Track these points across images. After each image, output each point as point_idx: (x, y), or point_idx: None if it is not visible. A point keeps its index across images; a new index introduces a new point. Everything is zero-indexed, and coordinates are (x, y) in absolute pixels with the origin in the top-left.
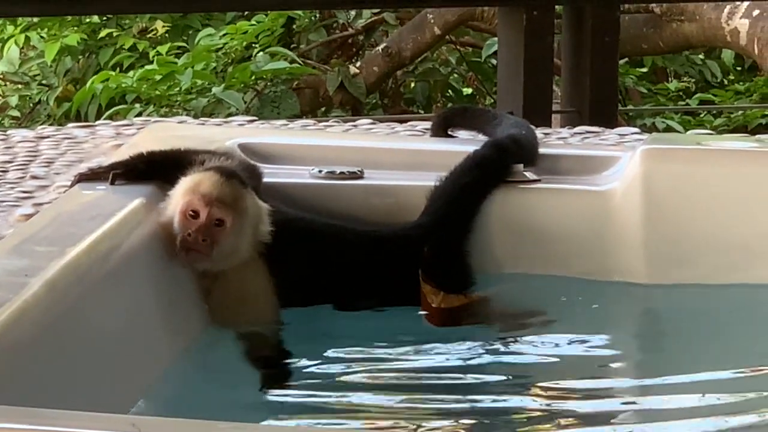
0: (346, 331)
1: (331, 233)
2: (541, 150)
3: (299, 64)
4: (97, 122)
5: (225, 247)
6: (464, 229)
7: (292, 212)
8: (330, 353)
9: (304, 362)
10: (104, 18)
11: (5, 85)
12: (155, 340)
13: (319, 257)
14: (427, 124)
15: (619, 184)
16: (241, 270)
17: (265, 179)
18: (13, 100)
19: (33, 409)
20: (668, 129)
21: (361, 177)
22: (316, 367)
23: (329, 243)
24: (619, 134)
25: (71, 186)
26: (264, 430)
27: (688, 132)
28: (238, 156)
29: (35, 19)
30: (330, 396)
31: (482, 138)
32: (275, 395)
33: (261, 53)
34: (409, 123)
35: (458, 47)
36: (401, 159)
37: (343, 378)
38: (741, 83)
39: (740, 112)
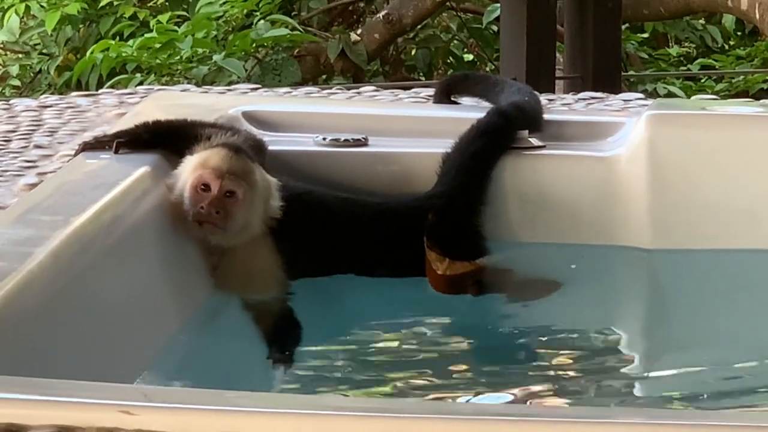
0: (354, 300)
1: (342, 207)
2: (546, 116)
3: (300, 31)
4: (101, 91)
5: (238, 220)
6: (475, 198)
7: (301, 186)
8: (336, 322)
9: (311, 331)
10: None
11: (6, 54)
12: (161, 309)
13: (330, 232)
14: (431, 91)
15: (624, 149)
16: (248, 246)
17: (270, 147)
18: (14, 70)
19: (40, 380)
20: (669, 94)
21: (365, 144)
22: (323, 335)
23: (340, 217)
24: (624, 100)
25: (75, 155)
26: (271, 399)
27: (691, 97)
28: (243, 131)
29: None
30: (336, 364)
31: (486, 104)
32: (282, 364)
33: (262, 21)
34: (412, 90)
35: (459, 13)
36: (405, 126)
37: (349, 346)
38: (742, 48)
39: (741, 78)
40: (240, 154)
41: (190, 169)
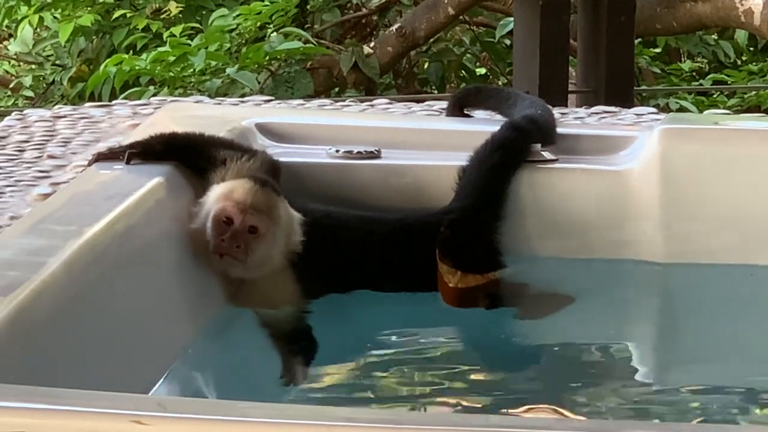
0: (368, 315)
1: (359, 225)
2: (559, 129)
3: (313, 44)
4: (114, 102)
5: (259, 255)
6: (491, 213)
7: (319, 209)
8: (349, 336)
9: (325, 345)
10: None
11: (19, 65)
12: (174, 319)
13: (348, 251)
14: (444, 104)
15: (637, 163)
16: (267, 276)
17: (283, 159)
18: (27, 81)
19: (53, 389)
20: (681, 109)
21: (378, 156)
22: (336, 350)
23: (358, 236)
24: (636, 114)
25: (88, 165)
26: (284, 410)
27: (703, 112)
28: (260, 154)
29: (49, 0)
30: (349, 377)
31: (498, 117)
32: (296, 379)
33: (275, 33)
34: (426, 103)
35: (472, 27)
36: (418, 139)
37: (362, 360)
38: (754, 64)
39: (753, 93)
40: (266, 188)
41: (214, 199)
